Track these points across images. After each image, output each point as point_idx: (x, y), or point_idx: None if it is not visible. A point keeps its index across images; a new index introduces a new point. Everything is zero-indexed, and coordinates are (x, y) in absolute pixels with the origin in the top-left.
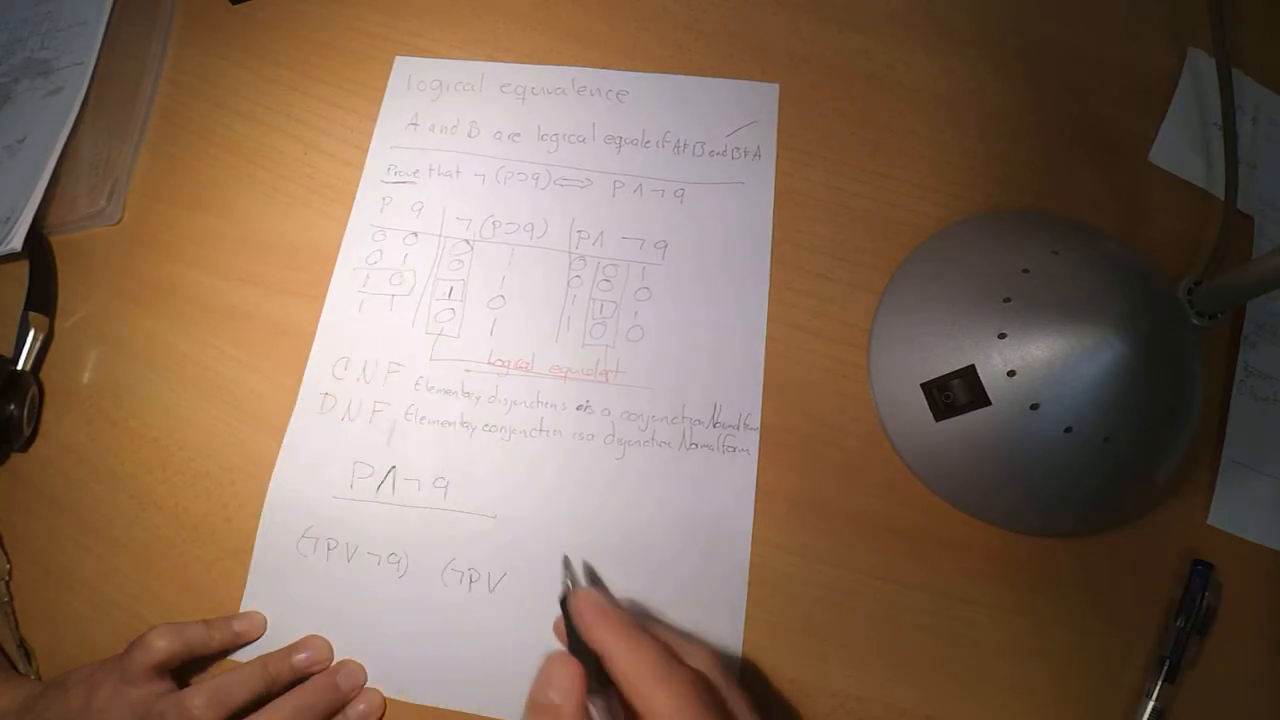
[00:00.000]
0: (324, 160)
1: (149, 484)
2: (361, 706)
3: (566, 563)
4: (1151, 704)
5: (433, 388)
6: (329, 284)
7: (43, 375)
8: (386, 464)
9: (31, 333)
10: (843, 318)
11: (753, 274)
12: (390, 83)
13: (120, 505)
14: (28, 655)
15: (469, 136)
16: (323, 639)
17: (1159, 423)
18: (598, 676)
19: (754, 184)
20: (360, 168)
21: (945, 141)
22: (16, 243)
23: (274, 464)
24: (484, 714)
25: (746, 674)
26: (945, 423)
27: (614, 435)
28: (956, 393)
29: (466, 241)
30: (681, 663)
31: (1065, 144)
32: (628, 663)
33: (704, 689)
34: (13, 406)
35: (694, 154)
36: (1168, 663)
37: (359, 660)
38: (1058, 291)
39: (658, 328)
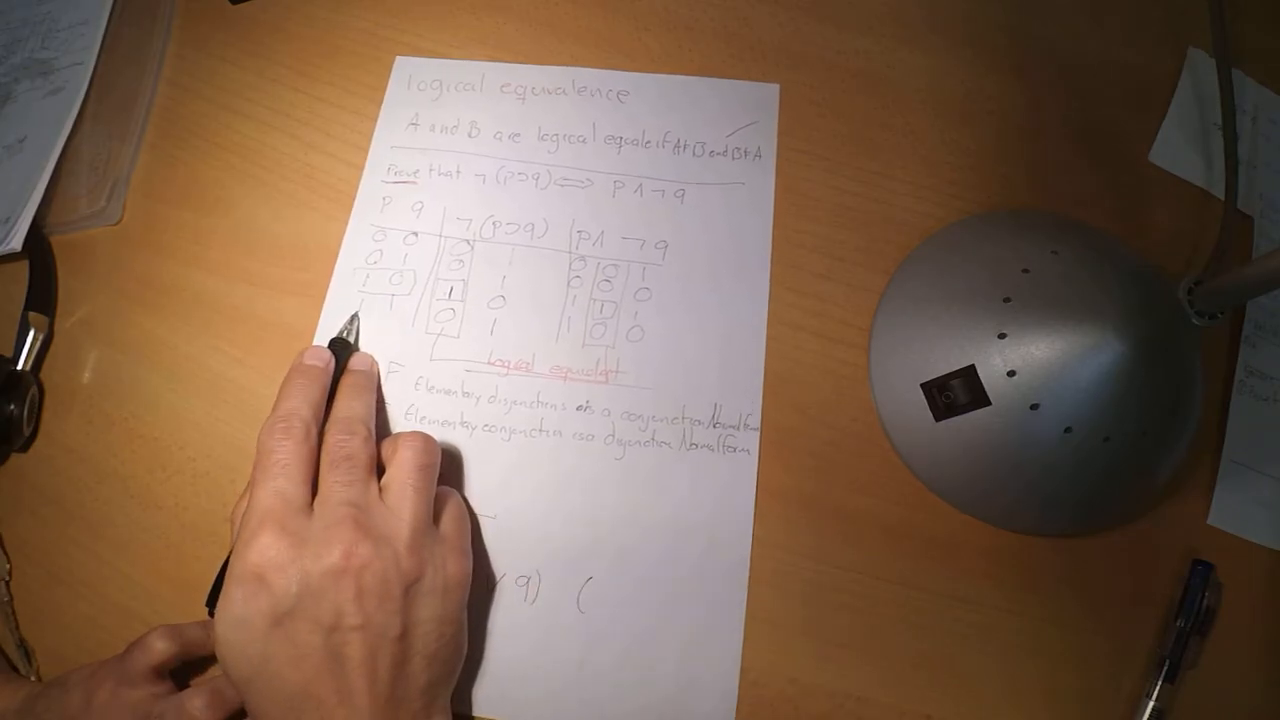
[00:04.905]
0: (324, 160)
1: (149, 484)
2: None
3: (355, 317)
4: (1151, 704)
5: (433, 388)
6: (329, 284)
7: (43, 375)
8: None
9: (31, 333)
10: (843, 318)
11: (753, 274)
12: (391, 83)
13: (120, 505)
14: (28, 655)
15: (469, 136)
16: None
17: (1159, 423)
18: None
19: (754, 184)
20: (361, 168)
21: (945, 142)
22: (16, 243)
23: None
24: (480, 714)
25: (747, 674)
26: (945, 423)
27: (614, 435)
28: (956, 392)
29: (467, 242)
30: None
31: (1065, 144)
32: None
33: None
34: (13, 406)
35: (694, 154)
36: (1168, 663)
37: None
38: (1057, 292)
39: (658, 328)
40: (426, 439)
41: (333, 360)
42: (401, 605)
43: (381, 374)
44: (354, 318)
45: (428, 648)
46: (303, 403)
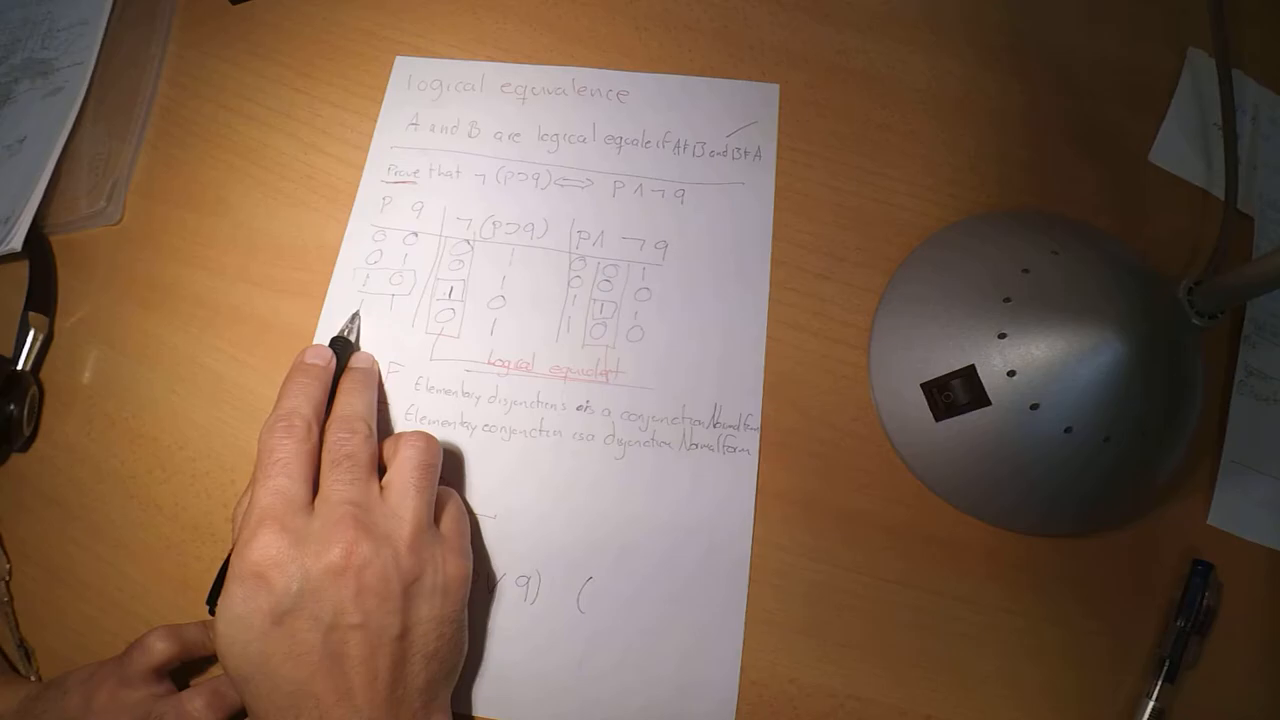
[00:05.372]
0: (324, 160)
1: (149, 484)
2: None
3: (356, 316)
4: (1152, 704)
5: (433, 388)
6: (329, 284)
7: (43, 375)
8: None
9: (31, 333)
10: (843, 318)
11: (753, 274)
12: (391, 83)
13: (120, 505)
14: (28, 655)
15: (469, 136)
16: None
17: (1159, 423)
18: None
19: (754, 184)
20: (360, 168)
21: (945, 142)
22: (16, 243)
23: None
24: (480, 714)
25: (747, 674)
26: (945, 423)
27: (614, 435)
28: (956, 393)
29: (467, 241)
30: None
31: (1065, 144)
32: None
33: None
34: (13, 406)
35: (694, 154)
36: (1168, 663)
37: None
38: (1058, 292)
39: (658, 328)
40: (428, 439)
41: (334, 359)
42: (401, 604)
43: (382, 374)
44: (355, 316)
45: (427, 647)
46: (304, 401)
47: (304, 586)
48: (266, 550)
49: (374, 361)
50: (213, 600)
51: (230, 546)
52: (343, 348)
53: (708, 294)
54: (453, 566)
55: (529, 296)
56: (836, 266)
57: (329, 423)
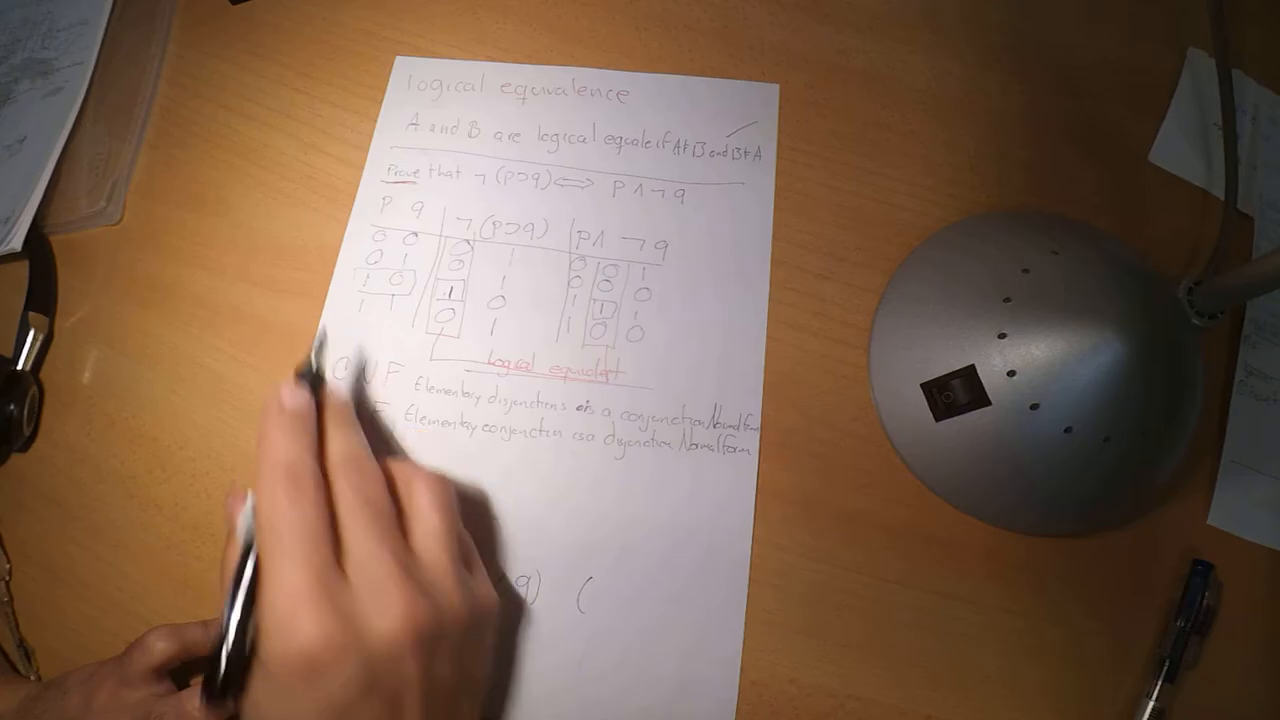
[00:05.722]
0: (324, 160)
1: (149, 484)
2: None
3: (323, 342)
4: (1152, 704)
5: (433, 388)
6: (329, 284)
7: (43, 375)
8: None
9: (31, 333)
10: (843, 318)
11: (753, 274)
12: (391, 83)
13: (120, 505)
14: (28, 655)
15: (469, 136)
16: None
17: (1159, 423)
18: None
19: (754, 184)
20: (360, 168)
21: (945, 142)
22: (16, 243)
23: None
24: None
25: (747, 674)
26: (945, 423)
27: (614, 435)
28: (956, 393)
29: (467, 241)
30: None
31: (1065, 144)
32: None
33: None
34: (13, 406)
35: (694, 154)
36: (1168, 663)
37: None
38: (1058, 292)
39: (658, 328)
40: (441, 478)
41: (312, 398)
42: (454, 653)
43: (381, 374)
44: (322, 344)
45: (471, 681)
46: (303, 451)
47: (367, 665)
48: (311, 634)
49: (343, 392)
50: (216, 689)
51: (220, 617)
52: (315, 383)
53: (708, 294)
54: (486, 600)
55: (529, 296)
56: (836, 266)
57: (332, 468)
